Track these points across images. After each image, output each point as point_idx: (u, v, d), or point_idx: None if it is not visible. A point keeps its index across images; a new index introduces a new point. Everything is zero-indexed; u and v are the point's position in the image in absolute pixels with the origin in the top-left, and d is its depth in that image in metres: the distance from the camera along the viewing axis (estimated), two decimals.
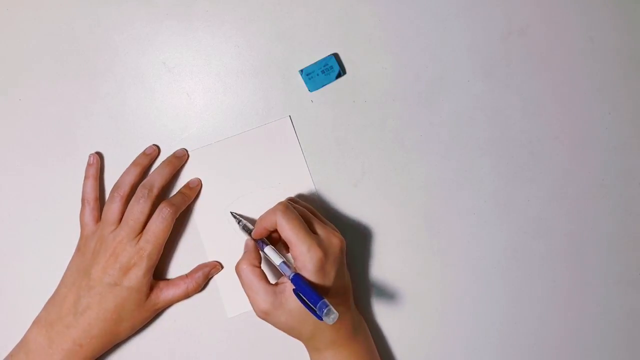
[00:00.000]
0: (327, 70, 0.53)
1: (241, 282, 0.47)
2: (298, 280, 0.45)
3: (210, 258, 0.54)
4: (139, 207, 0.50)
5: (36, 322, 0.50)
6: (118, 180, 0.52)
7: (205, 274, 0.53)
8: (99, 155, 0.54)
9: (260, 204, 0.53)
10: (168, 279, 0.53)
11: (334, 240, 0.47)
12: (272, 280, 0.50)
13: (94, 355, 0.50)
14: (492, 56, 0.55)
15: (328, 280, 0.45)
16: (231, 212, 0.53)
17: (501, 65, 0.55)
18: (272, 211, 0.47)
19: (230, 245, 0.53)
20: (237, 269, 0.48)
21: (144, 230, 0.50)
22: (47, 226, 0.54)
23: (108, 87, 0.54)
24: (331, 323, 0.42)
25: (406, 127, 0.55)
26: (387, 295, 0.54)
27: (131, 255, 0.49)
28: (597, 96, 0.55)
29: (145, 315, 0.51)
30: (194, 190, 0.54)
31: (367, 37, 0.55)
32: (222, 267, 0.54)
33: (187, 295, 0.52)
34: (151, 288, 0.51)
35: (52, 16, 0.54)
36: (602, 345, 0.55)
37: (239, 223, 0.52)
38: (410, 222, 0.55)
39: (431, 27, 0.55)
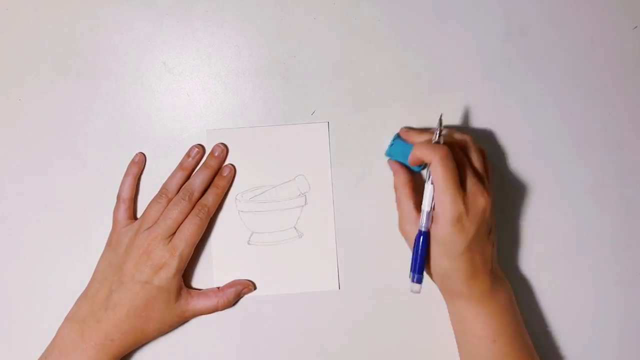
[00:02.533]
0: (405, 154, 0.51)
1: (397, 200, 0.51)
2: (422, 237, 0.48)
3: (216, 241, 0.54)
4: (178, 208, 0.51)
5: (68, 318, 0.50)
6: (166, 183, 0.53)
7: (237, 292, 0.53)
8: (143, 155, 0.54)
9: (274, 199, 0.54)
10: (200, 289, 0.53)
11: (480, 200, 0.47)
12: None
13: (125, 351, 0.50)
14: (492, 56, 0.55)
15: (465, 236, 0.46)
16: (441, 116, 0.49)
17: (501, 65, 0.55)
18: (431, 150, 0.47)
19: (237, 227, 0.54)
20: (396, 187, 0.51)
21: (178, 230, 0.51)
22: (47, 226, 0.54)
23: (108, 87, 0.54)
24: (410, 291, 0.48)
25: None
26: (384, 295, 0.54)
27: (163, 254, 0.50)
28: (597, 96, 0.55)
29: (174, 319, 0.51)
30: (228, 179, 0.54)
31: (367, 37, 0.55)
32: (255, 288, 0.54)
33: (216, 309, 0.52)
34: (182, 294, 0.51)
35: (52, 16, 0.54)
36: (602, 345, 0.55)
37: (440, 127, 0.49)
38: None
39: (431, 27, 0.55)
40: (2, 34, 0.54)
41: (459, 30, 0.55)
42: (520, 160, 0.55)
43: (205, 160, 0.54)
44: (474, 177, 0.48)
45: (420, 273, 0.48)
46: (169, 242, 0.50)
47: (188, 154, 0.54)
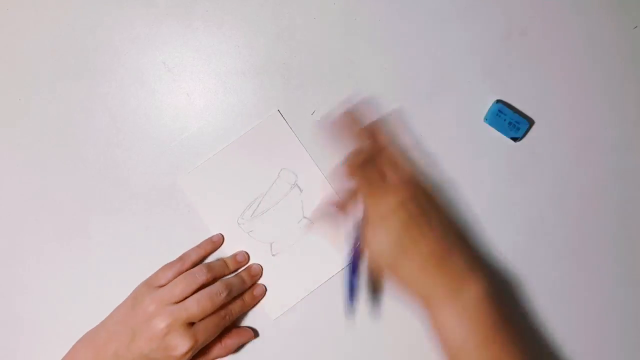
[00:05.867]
0: (515, 126, 0.53)
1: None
2: (354, 261, 0.49)
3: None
4: (213, 302, 0.50)
5: (75, 348, 0.51)
6: (206, 264, 0.53)
7: (240, 344, 0.54)
8: (222, 237, 0.54)
9: (271, 204, 0.54)
10: None
11: (390, 199, 0.48)
12: None
13: None
14: (492, 56, 0.55)
15: (390, 234, 0.47)
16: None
17: (501, 65, 0.55)
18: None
19: (254, 247, 0.54)
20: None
21: (203, 323, 0.50)
22: (47, 226, 0.54)
23: (108, 87, 0.54)
24: (346, 317, 0.50)
25: (406, 127, 0.55)
26: (383, 295, 0.54)
27: (181, 342, 0.48)
28: (597, 96, 0.55)
29: None
30: (257, 300, 0.54)
31: (367, 37, 0.55)
32: (256, 336, 0.54)
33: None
34: None
35: (52, 16, 0.54)
36: (603, 345, 0.55)
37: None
38: None
39: (431, 27, 0.55)
40: (2, 34, 0.54)
41: (459, 30, 0.55)
42: (521, 160, 0.55)
43: (244, 271, 0.54)
44: (380, 178, 0.50)
45: (350, 300, 0.49)
46: (189, 329, 0.49)
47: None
